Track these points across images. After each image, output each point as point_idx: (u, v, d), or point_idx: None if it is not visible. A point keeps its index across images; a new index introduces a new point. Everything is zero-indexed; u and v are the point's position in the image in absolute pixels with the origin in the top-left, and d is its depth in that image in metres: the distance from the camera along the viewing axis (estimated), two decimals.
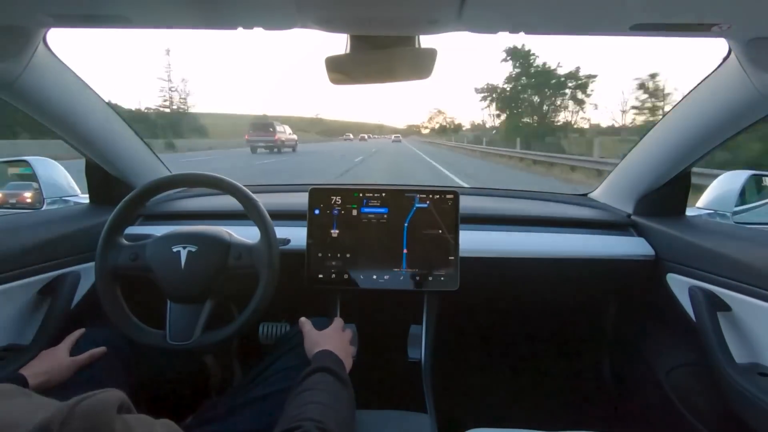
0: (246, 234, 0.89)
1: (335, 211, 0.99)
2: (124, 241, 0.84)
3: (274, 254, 0.82)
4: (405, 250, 0.97)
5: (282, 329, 1.04)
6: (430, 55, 0.72)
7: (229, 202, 0.90)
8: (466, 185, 7.05)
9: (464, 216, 1.00)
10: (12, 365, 0.73)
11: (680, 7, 0.55)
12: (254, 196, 0.85)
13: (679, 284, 0.96)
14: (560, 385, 1.37)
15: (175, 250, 0.81)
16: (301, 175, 10.12)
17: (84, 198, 1.20)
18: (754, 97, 0.75)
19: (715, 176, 1.31)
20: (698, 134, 0.91)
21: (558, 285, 1.16)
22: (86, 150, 1.03)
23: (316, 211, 0.99)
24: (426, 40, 0.71)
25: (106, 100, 1.01)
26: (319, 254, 0.98)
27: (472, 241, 1.03)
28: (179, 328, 0.80)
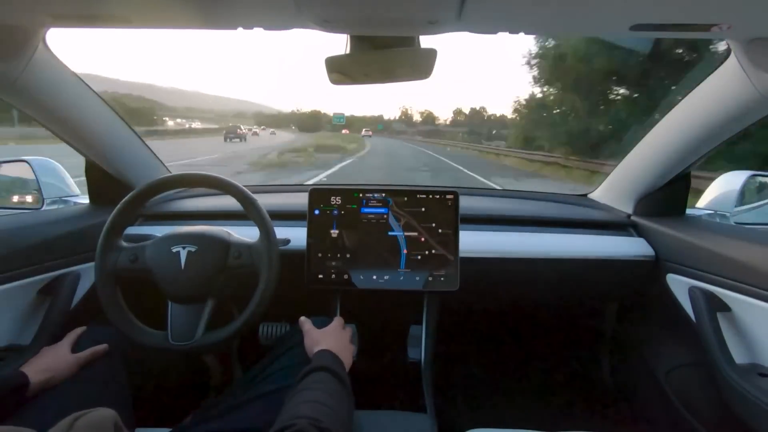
0: (246, 234, 0.89)
1: (335, 212, 0.99)
2: (123, 243, 0.84)
3: (274, 252, 0.82)
4: (405, 251, 0.97)
5: (282, 329, 1.04)
6: (430, 55, 0.72)
7: (229, 202, 0.90)
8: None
9: (464, 216, 1.00)
10: (12, 365, 0.73)
11: (680, 7, 0.55)
12: (253, 195, 0.85)
13: (679, 284, 0.96)
14: (560, 386, 1.37)
15: (174, 250, 0.81)
16: None
17: (84, 198, 1.20)
18: (754, 97, 0.75)
19: None
20: (698, 134, 0.91)
21: (558, 285, 1.16)
22: (86, 150, 1.03)
23: (316, 212, 0.99)
24: (426, 40, 0.71)
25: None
26: (319, 254, 0.98)
27: (472, 241, 1.03)
28: (181, 329, 0.80)
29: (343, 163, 13.28)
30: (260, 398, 0.71)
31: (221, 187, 0.86)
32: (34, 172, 1.22)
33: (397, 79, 0.81)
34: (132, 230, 1.05)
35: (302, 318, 0.83)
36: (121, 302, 0.81)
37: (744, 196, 1.26)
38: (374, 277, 0.97)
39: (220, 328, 0.81)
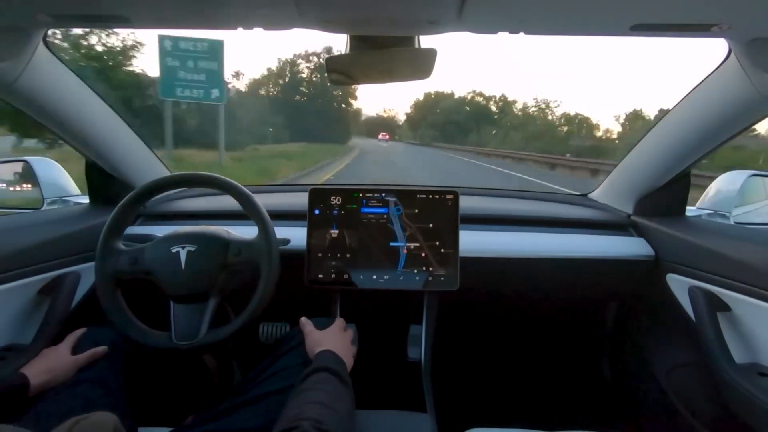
0: (246, 233, 0.89)
1: (335, 211, 0.99)
2: (122, 246, 0.84)
3: (273, 247, 0.82)
4: (405, 251, 0.97)
5: (282, 329, 1.04)
6: (430, 55, 0.72)
7: (228, 202, 0.90)
8: None
9: (464, 216, 1.00)
10: (12, 365, 0.73)
11: (680, 7, 0.55)
12: (252, 194, 0.85)
13: (679, 284, 0.97)
14: (560, 385, 1.37)
15: (174, 250, 0.81)
16: None
17: (84, 198, 1.20)
18: (754, 97, 0.75)
19: None
20: (698, 134, 0.91)
21: (558, 285, 1.16)
22: (86, 150, 1.03)
23: (316, 211, 0.99)
24: (426, 40, 0.71)
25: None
26: (319, 254, 0.98)
27: (472, 241, 1.03)
28: (184, 328, 0.80)
29: None
30: (261, 399, 0.71)
31: (221, 187, 0.86)
32: (34, 172, 1.22)
33: (397, 79, 0.81)
34: (132, 230, 1.05)
35: (303, 319, 0.83)
36: (123, 305, 0.81)
37: (744, 196, 1.26)
38: (374, 276, 0.97)
39: (222, 325, 0.81)
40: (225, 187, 0.86)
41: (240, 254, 0.83)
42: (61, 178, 1.28)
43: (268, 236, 0.82)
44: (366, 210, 0.99)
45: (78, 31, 9.45)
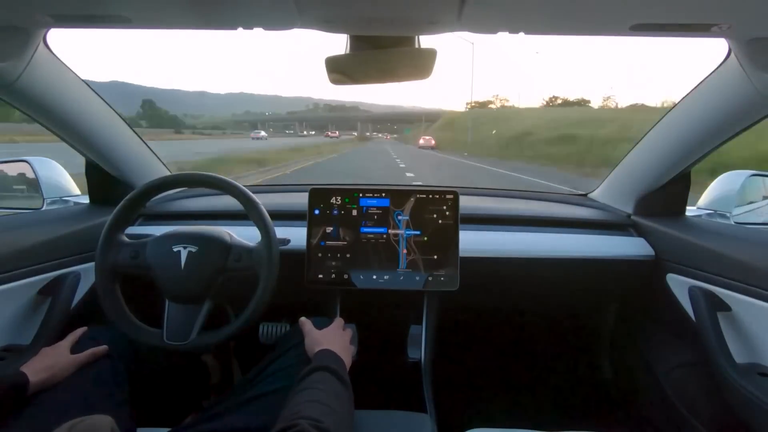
0: (246, 234, 0.89)
1: (335, 211, 0.99)
2: (125, 239, 0.84)
3: (274, 257, 0.82)
4: (404, 250, 0.98)
5: (282, 329, 1.04)
6: (430, 55, 0.72)
7: (229, 202, 0.90)
8: None
9: (464, 216, 1.00)
10: (12, 365, 0.73)
11: (680, 7, 0.55)
12: (254, 196, 0.85)
13: (679, 284, 0.97)
14: (560, 385, 1.37)
15: (175, 249, 0.81)
16: None
17: (84, 198, 1.20)
18: (754, 97, 0.75)
19: None
20: (698, 134, 0.91)
21: (558, 285, 1.16)
22: (86, 150, 1.03)
23: (316, 211, 0.99)
24: (426, 40, 0.71)
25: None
26: (319, 254, 0.98)
27: (472, 241, 1.03)
28: (176, 328, 0.80)
29: None
30: (260, 398, 0.71)
31: (222, 187, 0.86)
32: (34, 171, 1.22)
33: (397, 79, 0.81)
34: (132, 230, 1.05)
35: (302, 318, 0.83)
36: (119, 298, 0.81)
37: (744, 196, 1.26)
38: (374, 276, 0.97)
39: (215, 329, 0.81)
40: (225, 188, 0.86)
41: (240, 260, 0.83)
42: (61, 178, 1.28)
43: (270, 244, 0.82)
44: (366, 210, 0.99)
45: None
